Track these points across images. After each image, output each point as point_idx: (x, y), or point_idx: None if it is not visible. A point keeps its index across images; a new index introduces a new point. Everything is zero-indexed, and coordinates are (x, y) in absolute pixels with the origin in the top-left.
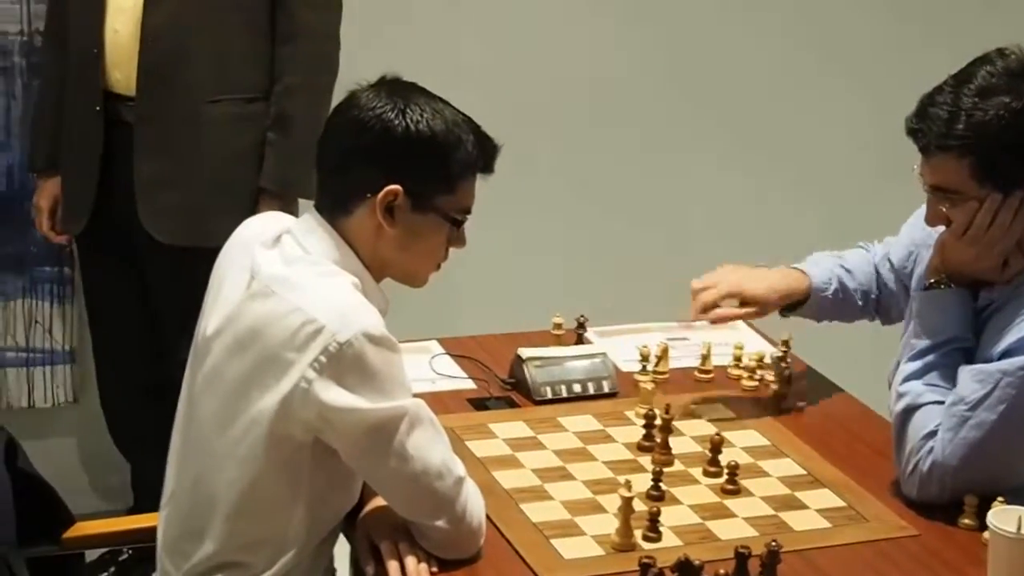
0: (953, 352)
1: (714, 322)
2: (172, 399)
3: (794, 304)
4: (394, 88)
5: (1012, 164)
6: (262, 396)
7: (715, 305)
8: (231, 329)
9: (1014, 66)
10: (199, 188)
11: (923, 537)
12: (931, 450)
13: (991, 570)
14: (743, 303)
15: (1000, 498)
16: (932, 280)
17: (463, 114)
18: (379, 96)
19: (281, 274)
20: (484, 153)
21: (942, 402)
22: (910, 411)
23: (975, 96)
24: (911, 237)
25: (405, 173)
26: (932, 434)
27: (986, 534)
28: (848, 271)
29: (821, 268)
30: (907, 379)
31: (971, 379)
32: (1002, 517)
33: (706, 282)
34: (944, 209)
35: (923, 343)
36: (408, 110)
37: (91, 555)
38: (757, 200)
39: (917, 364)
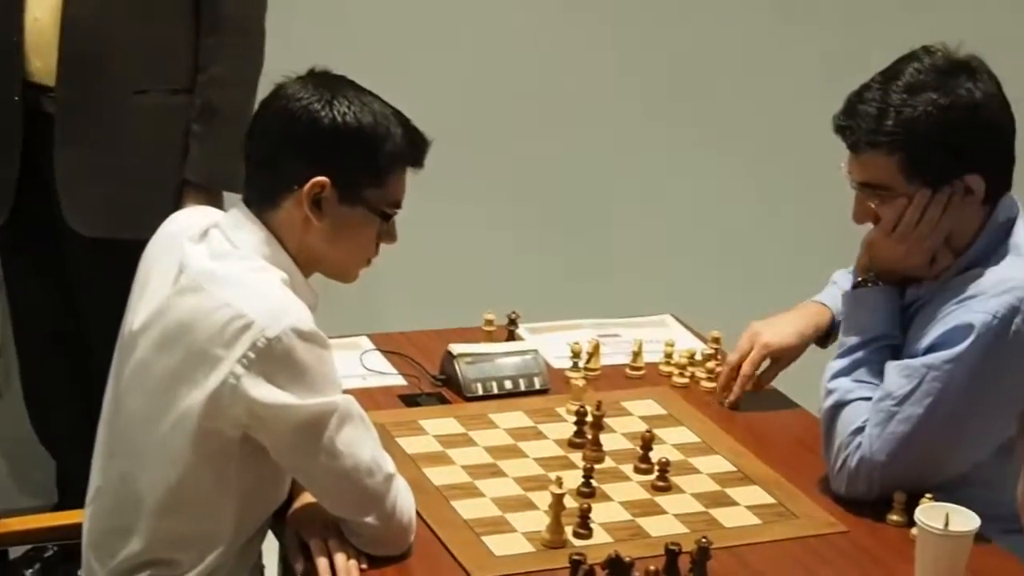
0: (882, 349)
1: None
2: (98, 394)
3: (825, 335)
4: (322, 80)
5: (941, 160)
6: (190, 392)
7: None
8: (158, 324)
9: (941, 63)
10: (122, 180)
11: (852, 533)
12: (859, 445)
13: (919, 566)
14: (774, 357)
15: (928, 495)
16: (860, 279)
17: (392, 107)
18: (306, 88)
19: (209, 269)
20: (414, 147)
21: (871, 398)
22: (839, 407)
23: (904, 92)
24: None
25: (332, 165)
26: (860, 430)
27: (914, 530)
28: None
29: (836, 292)
30: (836, 376)
31: (898, 374)
32: (930, 514)
33: (740, 352)
34: (873, 206)
35: (852, 340)
36: (335, 102)
37: (15, 552)
38: (689, 198)
39: (846, 361)
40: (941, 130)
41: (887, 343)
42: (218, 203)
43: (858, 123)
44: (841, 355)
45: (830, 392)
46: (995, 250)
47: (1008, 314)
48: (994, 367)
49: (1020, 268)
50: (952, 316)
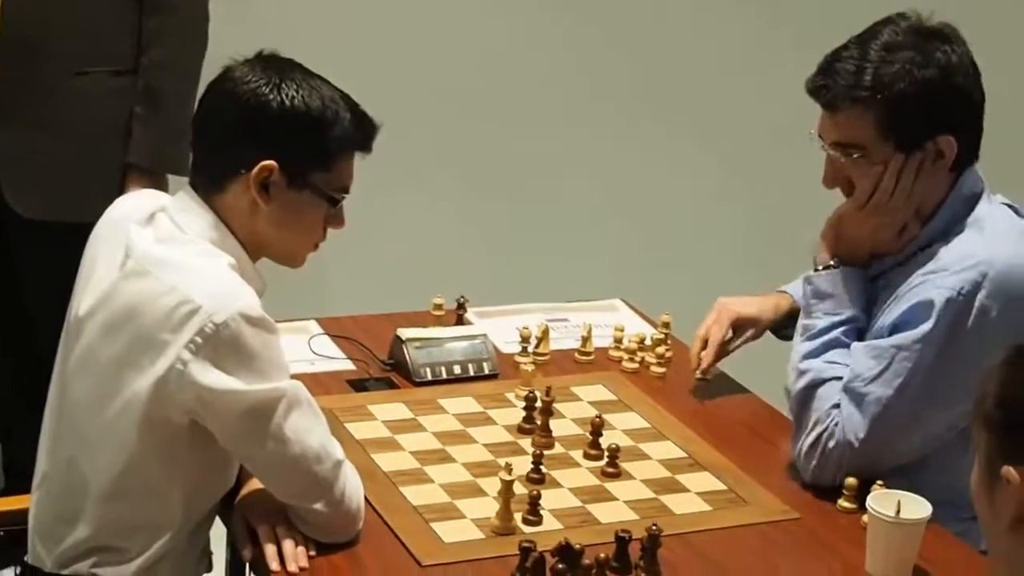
0: (852, 331)
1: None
2: (44, 378)
3: (785, 324)
4: (270, 63)
5: (916, 119)
6: (136, 378)
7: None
8: (105, 309)
9: (917, 26)
10: (64, 162)
11: (803, 520)
12: (836, 423)
13: (870, 553)
14: (737, 325)
15: (879, 482)
16: (825, 263)
17: (341, 91)
18: (254, 71)
19: (156, 253)
20: (362, 131)
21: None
22: (813, 387)
23: (882, 51)
24: None
25: (280, 149)
26: (838, 405)
27: (865, 517)
28: None
29: (799, 283)
30: (807, 357)
31: (866, 356)
32: (881, 501)
33: (706, 324)
34: (843, 161)
35: (822, 322)
36: (284, 85)
37: None
38: (639, 183)
39: (817, 343)
40: (918, 88)
41: (858, 326)
42: (162, 186)
43: (836, 80)
44: (810, 337)
45: (803, 373)
46: (957, 223)
47: (972, 290)
48: (960, 345)
49: (982, 245)
50: (915, 293)
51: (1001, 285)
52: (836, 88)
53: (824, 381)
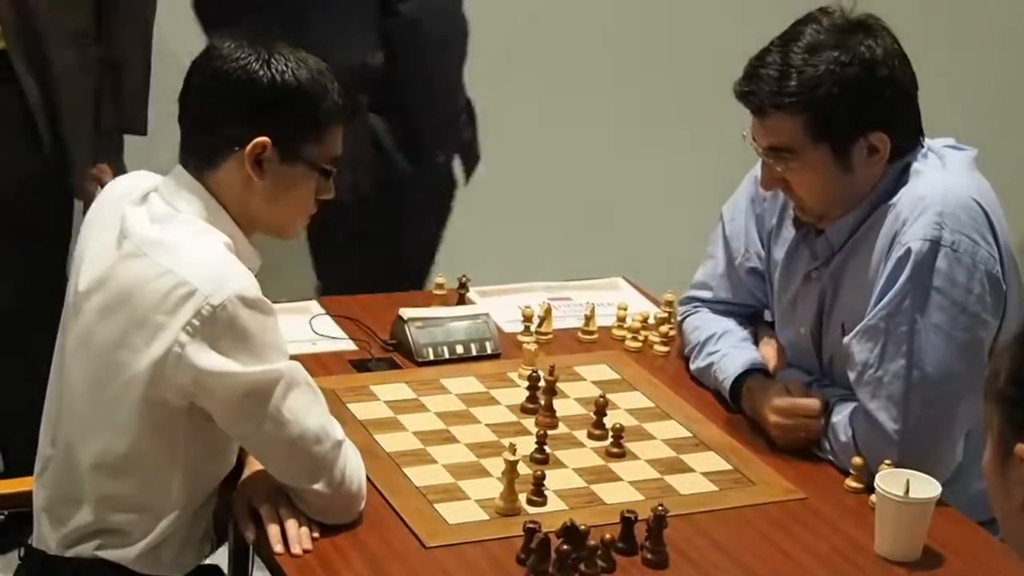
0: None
1: None
2: (44, 360)
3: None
4: (255, 38)
5: (845, 118)
6: (134, 360)
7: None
8: (102, 291)
9: (840, 22)
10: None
11: (810, 500)
12: (855, 423)
13: (878, 532)
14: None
15: (887, 461)
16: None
17: (325, 62)
18: (241, 47)
19: (151, 234)
20: (349, 101)
21: (847, 393)
22: (846, 424)
23: (804, 53)
24: (733, 227)
25: (273, 125)
26: (855, 411)
27: (873, 497)
28: (730, 331)
29: (745, 352)
30: (836, 410)
31: (860, 343)
32: (890, 480)
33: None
34: (780, 170)
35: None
36: (273, 60)
37: None
38: (641, 159)
39: (828, 397)
40: (843, 88)
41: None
42: (119, 146)
43: (760, 87)
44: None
45: (836, 423)
46: (898, 183)
47: (935, 232)
48: (943, 283)
49: (926, 185)
50: (884, 258)
51: (959, 216)
52: (762, 94)
53: (850, 413)
